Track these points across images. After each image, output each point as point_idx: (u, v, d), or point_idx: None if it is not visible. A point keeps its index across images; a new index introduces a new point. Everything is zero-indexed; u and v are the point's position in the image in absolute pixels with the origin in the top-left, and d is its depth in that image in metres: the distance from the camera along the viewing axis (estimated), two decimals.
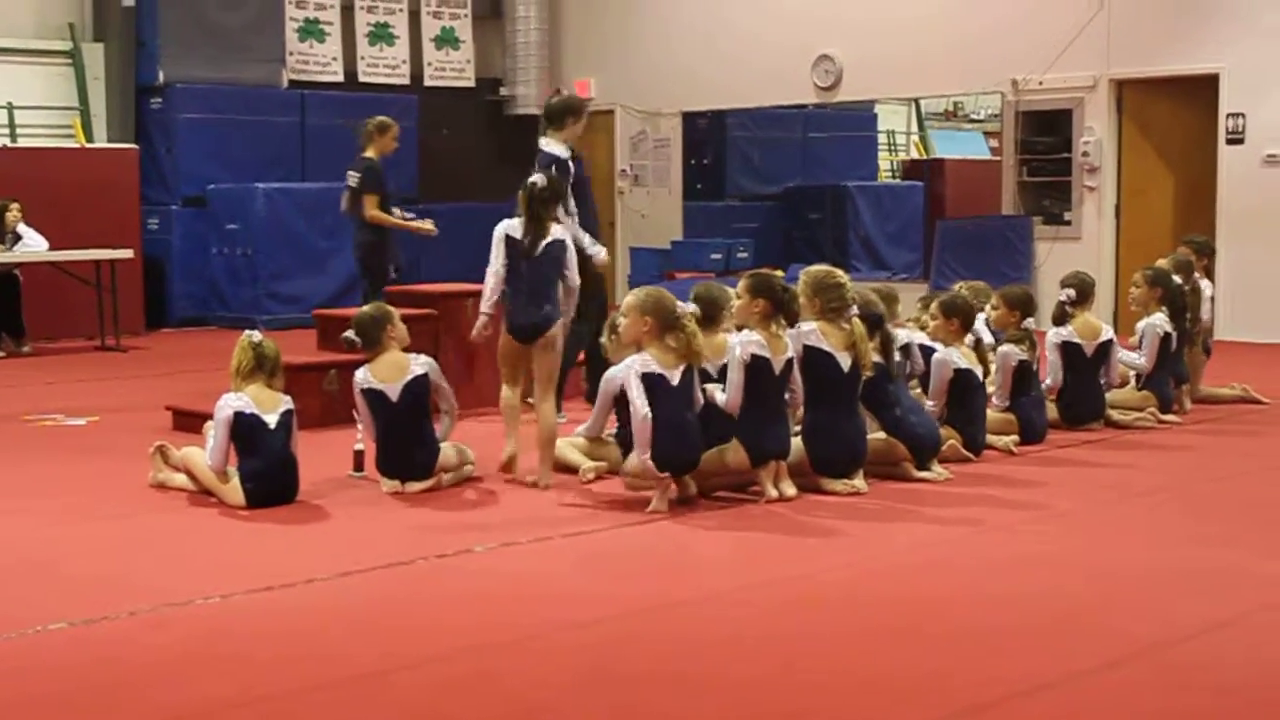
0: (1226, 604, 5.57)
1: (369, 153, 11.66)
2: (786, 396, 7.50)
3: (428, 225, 11.72)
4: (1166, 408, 9.81)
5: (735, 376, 7.29)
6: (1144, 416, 9.60)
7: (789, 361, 7.43)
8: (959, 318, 8.57)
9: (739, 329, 7.51)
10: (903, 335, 8.40)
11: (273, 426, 7.24)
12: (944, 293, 9.10)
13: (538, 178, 8.27)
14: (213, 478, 7.31)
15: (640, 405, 7.01)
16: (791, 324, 7.53)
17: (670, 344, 7.15)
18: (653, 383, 7.06)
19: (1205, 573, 6.03)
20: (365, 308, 8.04)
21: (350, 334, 7.78)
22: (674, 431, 7.07)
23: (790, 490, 7.33)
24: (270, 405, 7.28)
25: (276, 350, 7.46)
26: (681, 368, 7.15)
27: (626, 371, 7.13)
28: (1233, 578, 5.95)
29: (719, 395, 7.37)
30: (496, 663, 4.94)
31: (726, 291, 7.88)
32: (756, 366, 7.30)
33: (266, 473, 7.23)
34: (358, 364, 7.92)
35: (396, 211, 11.60)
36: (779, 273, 12.97)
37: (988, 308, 9.52)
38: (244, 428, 7.21)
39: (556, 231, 7.95)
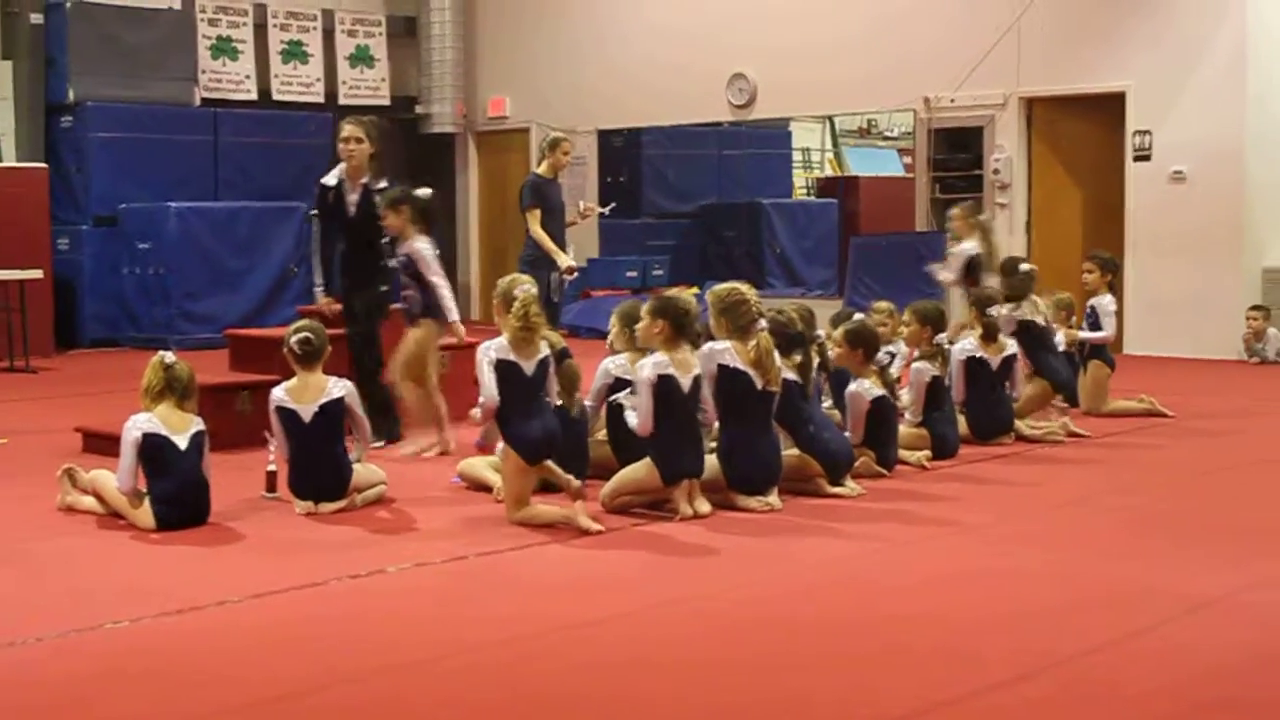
0: (1135, 618, 5.63)
1: (539, 169, 12.19)
2: (700, 416, 7.53)
3: (565, 261, 11.75)
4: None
5: (644, 399, 7.32)
6: (1054, 430, 9.72)
7: (696, 379, 7.46)
8: (863, 347, 8.61)
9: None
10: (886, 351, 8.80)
11: (183, 448, 7.18)
12: (850, 317, 9.08)
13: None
14: (122, 500, 7.24)
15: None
16: (694, 345, 7.58)
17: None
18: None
19: (1115, 587, 6.09)
20: (316, 325, 7.89)
21: (309, 335, 7.70)
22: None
23: (705, 507, 7.35)
24: (180, 426, 7.22)
25: (189, 372, 7.39)
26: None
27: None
28: (1142, 591, 6.02)
29: (630, 417, 7.41)
30: (407, 683, 4.92)
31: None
32: (665, 387, 7.33)
33: (177, 495, 7.17)
34: (270, 385, 7.88)
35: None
36: (693, 290, 13.12)
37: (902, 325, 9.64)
38: (153, 449, 7.13)
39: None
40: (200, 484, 7.26)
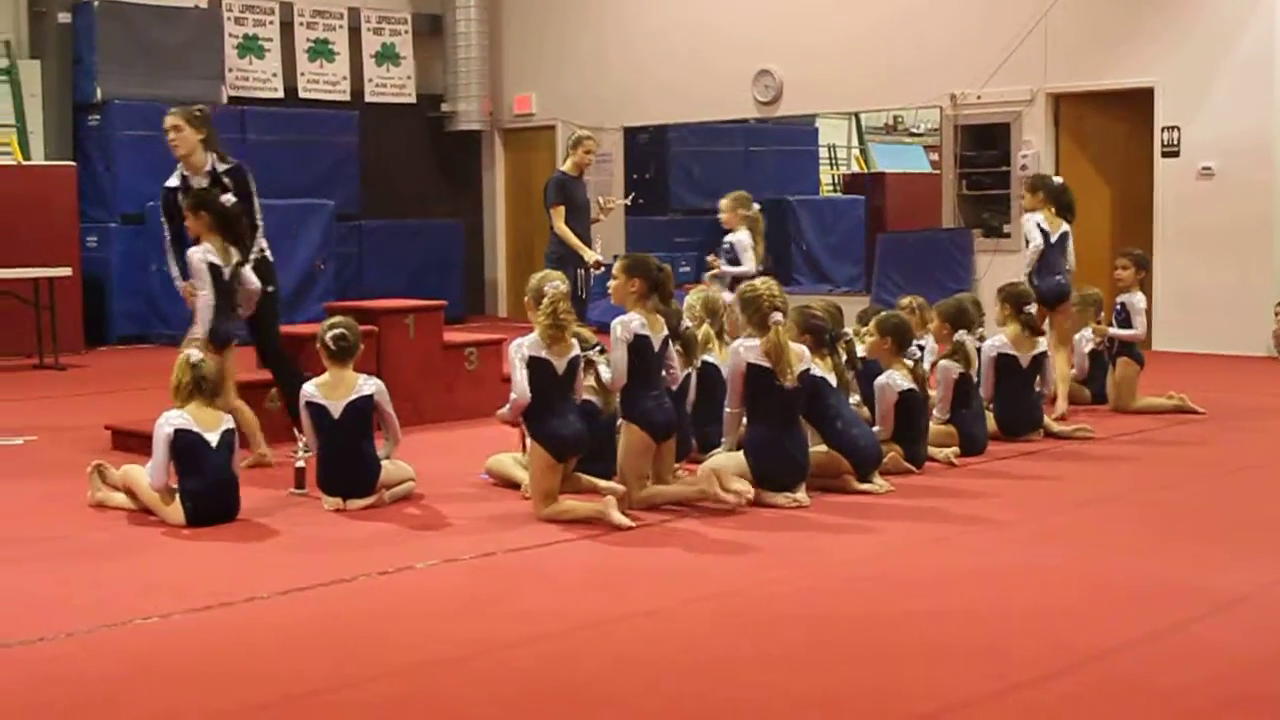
0: (1166, 614, 5.61)
1: (565, 166, 12.30)
2: (664, 374, 7.69)
3: (592, 256, 11.79)
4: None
5: (619, 355, 7.43)
6: (1084, 427, 9.69)
7: (665, 339, 7.63)
8: (894, 336, 8.62)
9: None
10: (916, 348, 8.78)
11: (214, 445, 7.21)
12: (882, 309, 9.18)
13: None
14: (154, 496, 7.27)
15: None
16: (666, 302, 7.74)
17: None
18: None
19: (1145, 584, 6.08)
20: (350, 322, 7.89)
21: (344, 332, 7.71)
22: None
23: (740, 486, 7.39)
24: (212, 424, 7.26)
25: (218, 369, 7.42)
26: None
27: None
28: (1172, 588, 6.00)
29: (604, 372, 7.47)
30: (438, 680, 4.93)
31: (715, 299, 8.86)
32: (638, 345, 7.45)
33: (207, 492, 7.20)
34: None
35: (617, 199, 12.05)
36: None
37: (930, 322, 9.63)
38: (185, 446, 7.17)
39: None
40: (230, 481, 7.29)
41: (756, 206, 11.76)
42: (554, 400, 7.27)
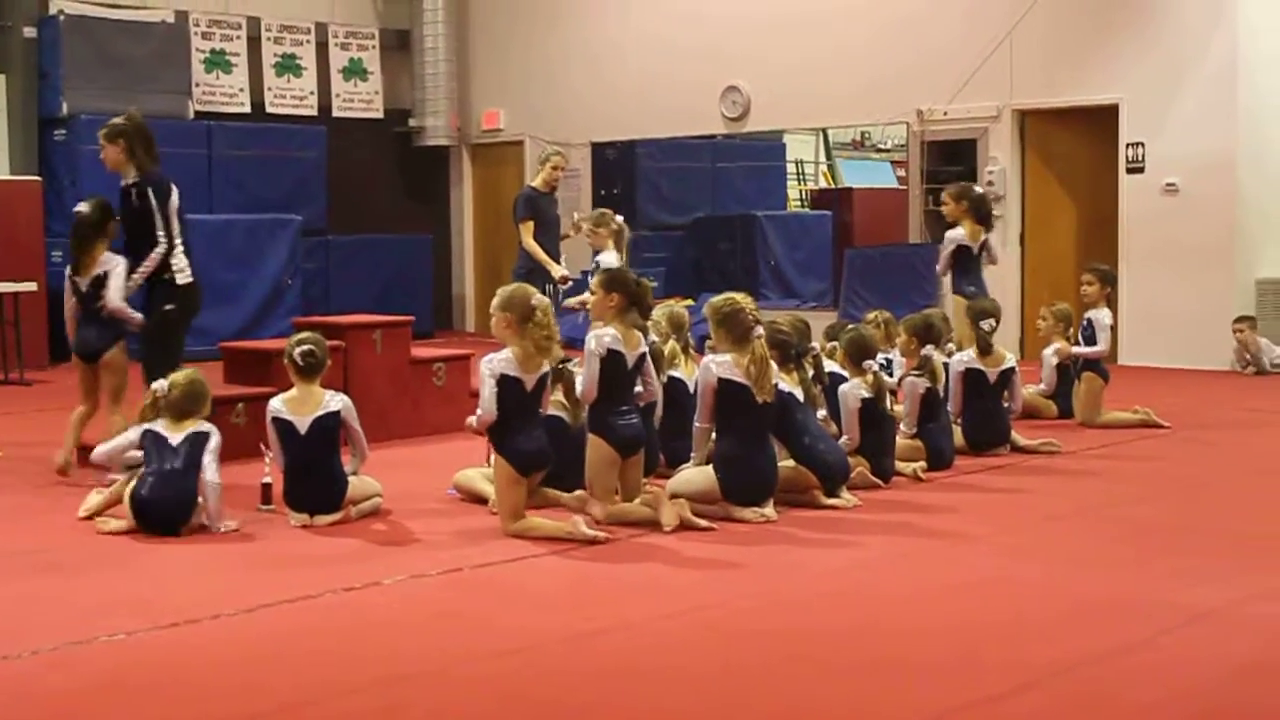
0: (1134, 628, 5.63)
1: (534, 182, 12.49)
2: (638, 390, 7.73)
3: (559, 271, 11.87)
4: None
5: (591, 369, 7.45)
6: (1050, 442, 9.72)
7: (641, 356, 7.66)
8: (850, 351, 8.70)
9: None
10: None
11: (174, 444, 7.38)
12: (850, 324, 9.28)
13: (81, 206, 9.06)
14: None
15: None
16: (645, 316, 7.83)
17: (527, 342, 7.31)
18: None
19: (1112, 598, 6.09)
20: (318, 338, 7.87)
21: (312, 348, 7.70)
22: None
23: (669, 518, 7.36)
24: (178, 430, 7.45)
25: (183, 390, 7.47)
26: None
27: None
28: (1140, 602, 6.02)
29: (577, 386, 7.53)
30: (406, 695, 4.91)
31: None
32: (610, 360, 7.47)
33: (156, 492, 7.33)
34: (266, 397, 7.88)
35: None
36: (688, 302, 13.14)
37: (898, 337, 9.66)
38: (149, 444, 7.45)
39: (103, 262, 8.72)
40: (181, 485, 7.30)
41: (620, 219, 11.63)
42: (520, 416, 7.25)
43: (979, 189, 11.84)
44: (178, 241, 8.91)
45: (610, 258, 11.43)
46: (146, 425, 7.48)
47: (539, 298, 7.40)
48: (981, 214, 11.51)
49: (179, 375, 7.66)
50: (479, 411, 7.24)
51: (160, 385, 7.54)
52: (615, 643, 5.54)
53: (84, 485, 8.37)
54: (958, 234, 11.54)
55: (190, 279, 8.90)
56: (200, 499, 7.35)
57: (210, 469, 7.38)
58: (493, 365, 7.24)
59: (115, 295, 8.80)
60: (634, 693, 4.93)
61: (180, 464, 7.34)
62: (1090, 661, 5.19)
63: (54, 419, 9.14)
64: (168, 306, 8.81)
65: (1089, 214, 15.74)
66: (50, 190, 16.55)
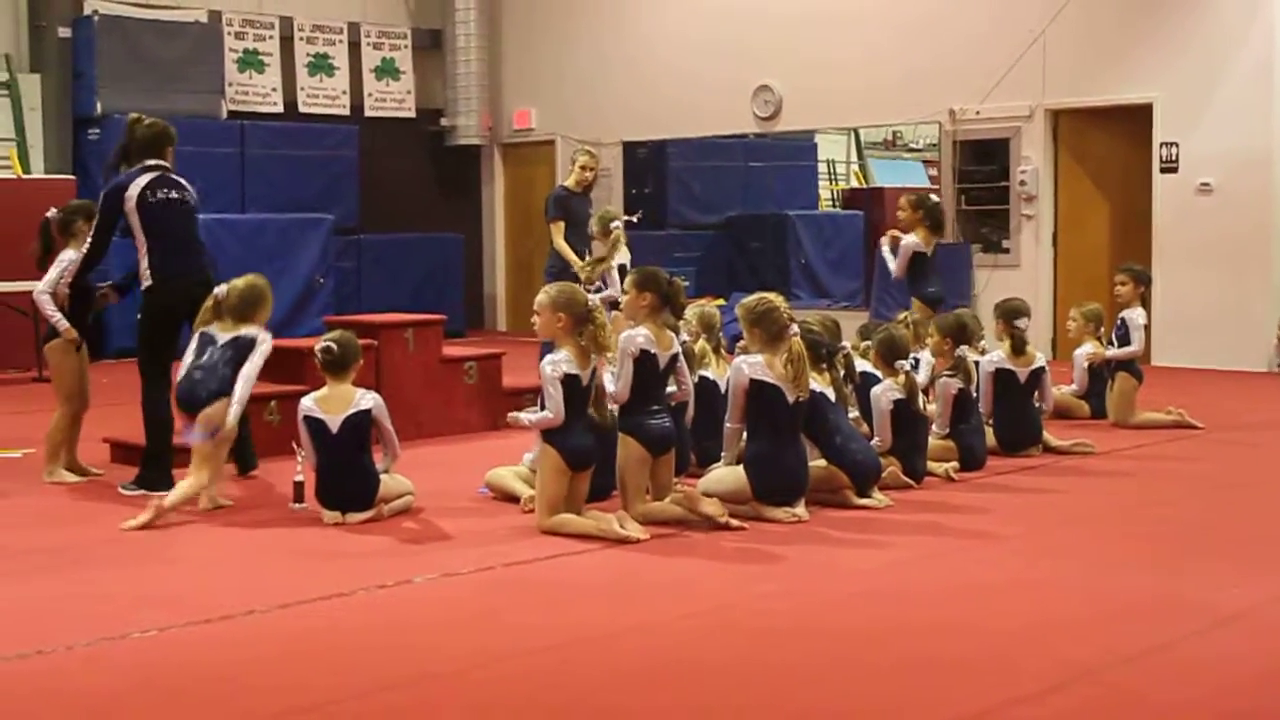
0: (1165, 629, 5.61)
1: (567, 182, 12.57)
2: (670, 390, 7.73)
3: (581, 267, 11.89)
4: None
5: (625, 369, 7.45)
6: (1083, 442, 9.68)
7: (674, 356, 7.67)
8: (882, 351, 8.69)
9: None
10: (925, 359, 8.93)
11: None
12: (881, 324, 9.27)
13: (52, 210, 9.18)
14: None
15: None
16: (678, 316, 7.88)
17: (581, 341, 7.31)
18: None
19: (1144, 598, 6.07)
20: (346, 336, 7.92)
21: (331, 344, 7.73)
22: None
23: (711, 509, 7.37)
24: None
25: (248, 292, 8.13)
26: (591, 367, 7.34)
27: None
28: (1172, 603, 6.00)
29: (609, 385, 7.45)
30: (437, 693, 4.92)
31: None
32: (643, 360, 7.47)
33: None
34: (298, 395, 7.92)
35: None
36: (719, 301, 13.14)
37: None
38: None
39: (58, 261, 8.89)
40: (216, 375, 7.91)
41: (616, 224, 11.74)
42: (574, 413, 7.25)
43: (935, 198, 12.22)
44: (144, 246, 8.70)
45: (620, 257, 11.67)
46: (202, 328, 7.97)
47: (593, 299, 7.43)
48: (936, 222, 11.80)
49: (239, 279, 8.14)
50: (545, 414, 7.19)
51: (220, 290, 8.05)
52: (646, 641, 5.54)
53: (113, 482, 8.46)
54: (913, 241, 11.67)
55: (151, 282, 8.67)
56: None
57: (249, 365, 7.85)
58: (556, 366, 7.22)
59: (39, 285, 8.99)
60: (664, 692, 4.93)
61: (218, 359, 7.80)
62: (1121, 662, 5.17)
63: (85, 417, 9.17)
64: (139, 315, 8.78)
65: (1122, 214, 15.68)
66: (84, 189, 16.54)
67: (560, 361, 7.24)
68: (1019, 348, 9.65)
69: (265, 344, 8.03)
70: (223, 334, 8.00)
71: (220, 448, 7.99)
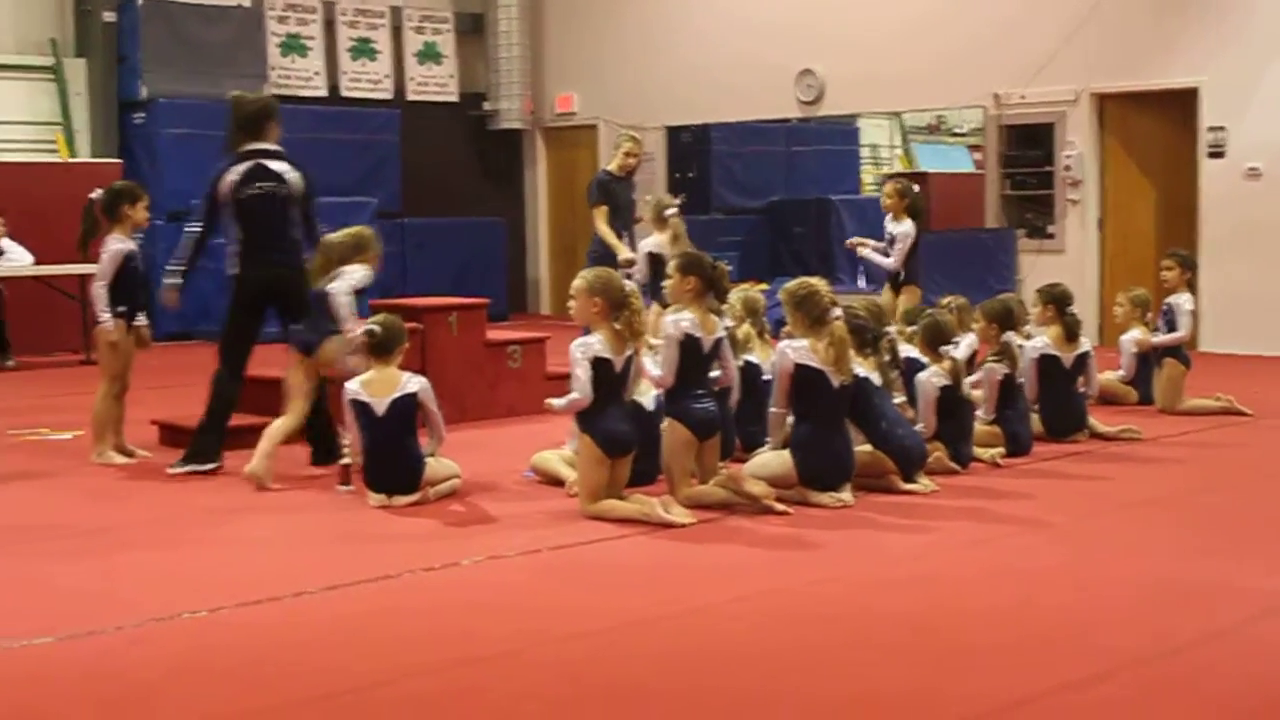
0: (1213, 617, 5.58)
1: (610, 166, 12.59)
2: (714, 374, 7.72)
3: (624, 254, 11.94)
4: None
5: (670, 354, 7.44)
6: (1130, 428, 9.63)
7: (718, 341, 7.66)
8: (927, 336, 8.66)
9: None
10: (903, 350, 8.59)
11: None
12: (926, 309, 9.26)
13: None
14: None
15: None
16: (722, 300, 7.88)
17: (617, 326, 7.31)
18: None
19: (1192, 586, 6.04)
20: (390, 319, 7.97)
21: (376, 328, 7.75)
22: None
23: (758, 489, 7.38)
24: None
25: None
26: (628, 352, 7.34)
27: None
28: (1220, 591, 5.96)
29: (652, 370, 7.44)
30: (482, 676, 4.93)
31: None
32: (688, 344, 7.45)
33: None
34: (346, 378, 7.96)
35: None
36: (763, 286, 13.13)
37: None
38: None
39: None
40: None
41: (670, 210, 11.92)
42: (608, 398, 7.26)
43: (916, 188, 12.46)
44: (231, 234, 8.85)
45: (652, 241, 11.80)
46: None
47: (630, 284, 7.43)
48: (918, 211, 11.98)
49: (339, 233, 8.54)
50: (574, 395, 7.22)
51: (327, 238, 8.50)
52: (690, 625, 5.54)
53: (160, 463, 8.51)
54: (910, 229, 11.85)
55: (235, 271, 8.85)
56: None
57: (337, 283, 8.27)
58: (586, 349, 7.24)
59: (97, 279, 9.05)
60: (708, 677, 4.93)
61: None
62: (1167, 650, 5.14)
63: (132, 399, 9.25)
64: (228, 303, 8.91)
65: (1168, 199, 15.58)
66: (130, 172, 16.67)
67: (591, 344, 7.24)
68: (1072, 334, 9.59)
69: (359, 271, 8.37)
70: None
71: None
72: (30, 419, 10.75)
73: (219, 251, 9.08)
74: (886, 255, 11.96)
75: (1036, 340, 9.62)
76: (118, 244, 8.97)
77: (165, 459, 8.89)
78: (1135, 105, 15.60)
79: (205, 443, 8.66)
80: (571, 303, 7.50)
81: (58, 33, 17.19)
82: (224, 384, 8.73)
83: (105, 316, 8.88)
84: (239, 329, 8.83)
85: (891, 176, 12.34)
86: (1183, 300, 10.83)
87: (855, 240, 12.23)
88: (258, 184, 8.75)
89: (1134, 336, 10.91)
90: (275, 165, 8.80)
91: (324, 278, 8.40)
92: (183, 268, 8.94)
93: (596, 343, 7.26)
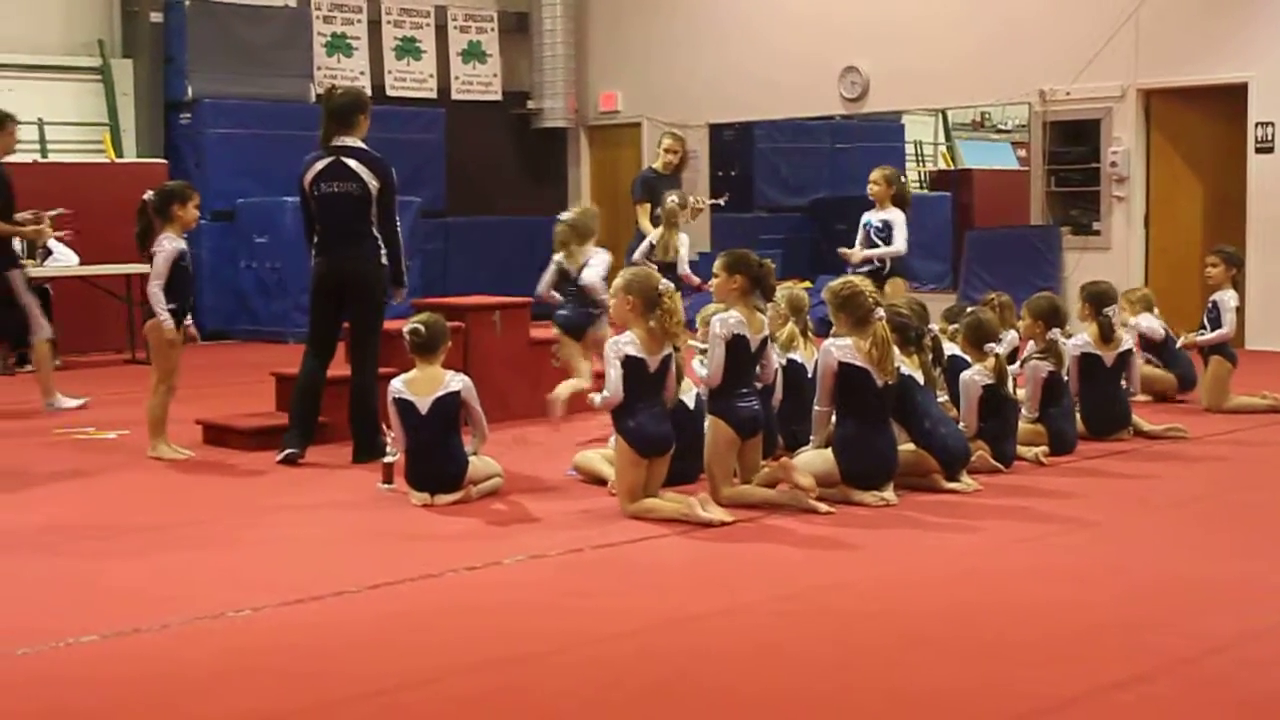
0: (1255, 617, 5.54)
1: (655, 164, 12.86)
2: (757, 370, 7.72)
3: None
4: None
5: (717, 353, 7.43)
6: (1175, 427, 9.57)
7: (764, 340, 7.67)
8: (970, 335, 8.62)
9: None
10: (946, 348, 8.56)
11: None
12: (966, 307, 9.21)
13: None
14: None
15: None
16: (768, 298, 7.87)
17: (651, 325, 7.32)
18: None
19: (1234, 585, 6.00)
20: (432, 318, 8.01)
21: (419, 326, 7.79)
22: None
23: (805, 481, 7.37)
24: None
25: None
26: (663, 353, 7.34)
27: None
28: (1262, 590, 5.93)
29: (700, 369, 7.44)
30: (523, 676, 4.94)
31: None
32: (735, 344, 7.44)
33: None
34: (386, 378, 7.98)
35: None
36: (806, 284, 13.10)
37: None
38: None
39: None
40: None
41: (671, 199, 11.75)
42: (643, 398, 7.26)
43: (903, 179, 12.44)
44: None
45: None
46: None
47: (665, 283, 7.41)
48: (906, 199, 12.06)
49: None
50: (605, 393, 7.25)
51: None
52: (732, 624, 5.54)
53: (205, 461, 8.55)
54: (901, 215, 11.88)
55: (312, 263, 9.00)
56: None
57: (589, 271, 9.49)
58: (618, 347, 7.25)
59: (152, 279, 9.07)
60: (750, 674, 4.93)
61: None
62: (1213, 650, 5.11)
63: (177, 399, 9.31)
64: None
65: (1215, 195, 15.47)
66: (176, 172, 16.79)
67: (624, 343, 7.25)
68: (1107, 335, 9.53)
69: (600, 254, 9.66)
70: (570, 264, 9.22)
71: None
72: (76, 418, 10.82)
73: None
74: (878, 244, 11.89)
75: (1077, 338, 9.56)
76: (170, 243, 9.03)
77: (209, 458, 8.94)
78: (1182, 101, 15.49)
79: (286, 434, 8.84)
80: (610, 300, 7.52)
81: (105, 34, 17.30)
82: (305, 374, 8.91)
83: (164, 315, 8.93)
84: (315, 321, 9.02)
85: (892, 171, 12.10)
86: (1227, 297, 10.75)
87: (845, 252, 12.07)
88: (334, 182, 8.84)
89: (1149, 324, 10.94)
90: (354, 164, 8.86)
91: (565, 253, 9.83)
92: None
93: (626, 341, 7.27)
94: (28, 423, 10.74)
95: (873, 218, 11.91)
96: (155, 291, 8.98)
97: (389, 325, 9.17)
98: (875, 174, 12.04)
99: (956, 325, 9.00)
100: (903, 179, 12.27)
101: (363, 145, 8.97)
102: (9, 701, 4.72)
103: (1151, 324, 10.93)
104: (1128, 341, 9.68)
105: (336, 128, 8.92)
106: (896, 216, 11.80)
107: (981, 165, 22.16)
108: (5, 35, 16.57)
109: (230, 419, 9.69)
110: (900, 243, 11.79)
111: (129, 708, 4.68)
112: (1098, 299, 9.66)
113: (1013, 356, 9.56)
